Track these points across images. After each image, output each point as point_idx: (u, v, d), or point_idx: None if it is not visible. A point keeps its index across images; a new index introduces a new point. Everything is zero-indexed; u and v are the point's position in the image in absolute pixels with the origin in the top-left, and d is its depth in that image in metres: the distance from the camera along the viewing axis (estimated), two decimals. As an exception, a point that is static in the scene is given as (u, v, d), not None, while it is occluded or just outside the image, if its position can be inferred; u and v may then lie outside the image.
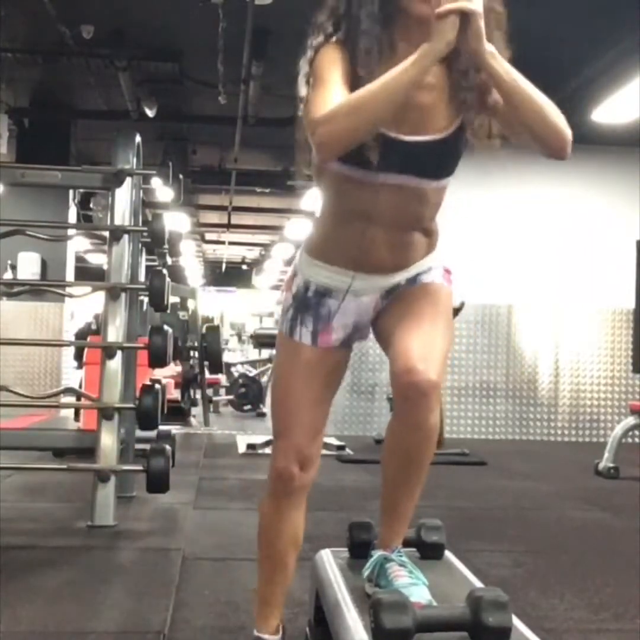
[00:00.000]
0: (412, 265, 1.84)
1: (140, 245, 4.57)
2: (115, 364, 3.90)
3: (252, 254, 20.30)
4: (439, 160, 1.74)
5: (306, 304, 1.87)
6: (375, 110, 1.56)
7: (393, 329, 1.78)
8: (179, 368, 8.83)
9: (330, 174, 1.77)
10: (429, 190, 1.76)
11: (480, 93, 1.70)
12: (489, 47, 1.56)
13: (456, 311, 5.98)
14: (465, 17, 1.52)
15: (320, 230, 1.88)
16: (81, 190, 8.84)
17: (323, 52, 1.67)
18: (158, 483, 3.68)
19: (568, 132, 1.64)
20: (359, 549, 2.04)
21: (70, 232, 6.52)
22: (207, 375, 8.68)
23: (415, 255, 1.84)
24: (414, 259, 1.84)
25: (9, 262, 8.76)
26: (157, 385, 3.94)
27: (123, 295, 3.97)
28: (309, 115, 1.60)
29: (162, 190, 7.04)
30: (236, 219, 14.23)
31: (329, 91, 1.60)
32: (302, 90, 1.74)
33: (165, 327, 4.08)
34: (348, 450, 6.38)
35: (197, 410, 8.73)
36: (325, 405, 1.93)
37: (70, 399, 6.77)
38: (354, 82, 1.62)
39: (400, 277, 1.84)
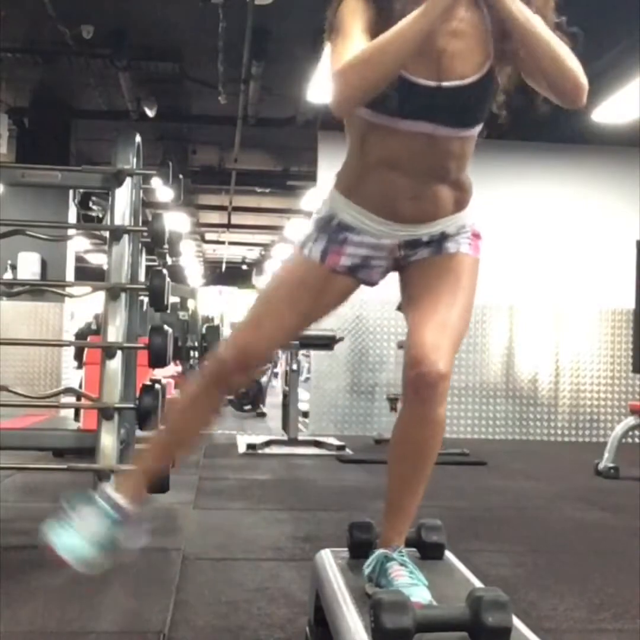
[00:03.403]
0: (439, 219, 1.82)
1: (140, 245, 4.56)
2: (115, 364, 3.89)
3: (252, 254, 20.30)
4: (463, 107, 1.73)
5: (326, 228, 1.87)
6: (387, 61, 1.58)
7: (412, 305, 1.81)
8: (179, 368, 8.83)
9: (357, 119, 1.77)
10: (454, 139, 1.75)
11: (500, 40, 1.69)
12: None
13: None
14: None
15: (347, 170, 1.88)
16: (81, 190, 8.84)
17: (345, 3, 1.68)
18: (158, 483, 3.68)
19: (583, 79, 1.62)
20: (359, 549, 2.03)
21: (70, 232, 6.52)
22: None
23: (440, 210, 1.82)
24: (439, 213, 1.82)
25: (9, 262, 8.75)
26: (157, 385, 3.94)
27: (123, 295, 3.97)
28: (329, 69, 1.62)
29: (162, 190, 7.04)
30: (236, 219, 14.23)
31: (350, 44, 1.61)
32: (326, 40, 1.74)
33: (165, 327, 4.08)
34: (348, 450, 6.39)
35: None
36: (298, 324, 1.93)
37: (70, 399, 6.76)
38: (378, 31, 1.62)
39: (424, 231, 1.83)
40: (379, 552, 1.85)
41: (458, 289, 1.81)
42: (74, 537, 1.82)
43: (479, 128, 1.78)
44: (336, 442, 6.54)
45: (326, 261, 1.85)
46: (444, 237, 1.84)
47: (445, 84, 1.68)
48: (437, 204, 1.81)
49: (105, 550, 1.86)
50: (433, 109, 1.69)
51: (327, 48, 1.73)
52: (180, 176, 4.83)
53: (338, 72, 1.59)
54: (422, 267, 1.86)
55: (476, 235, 1.89)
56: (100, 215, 9.41)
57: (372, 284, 1.93)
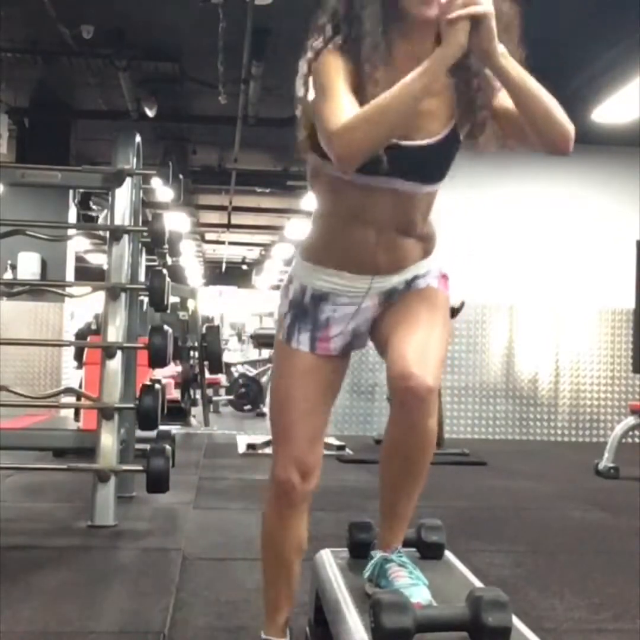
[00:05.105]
0: (409, 267, 1.84)
1: (140, 245, 4.57)
2: (115, 364, 3.90)
3: (252, 254, 20.31)
4: (431, 164, 1.75)
5: (304, 309, 1.86)
6: (391, 119, 1.57)
7: (389, 333, 1.78)
8: (179, 368, 8.82)
9: (325, 177, 1.78)
10: (420, 194, 1.77)
11: (472, 101, 1.72)
12: (500, 48, 1.57)
13: (456, 311, 5.97)
14: (476, 19, 1.52)
15: (314, 233, 1.88)
16: (81, 190, 8.84)
17: (324, 60, 1.66)
18: (158, 483, 3.68)
19: (571, 129, 1.66)
20: (359, 549, 2.04)
21: (70, 232, 6.52)
22: (207, 375, 8.67)
23: (411, 257, 1.84)
24: (410, 260, 1.84)
25: (9, 262, 8.76)
26: (157, 385, 3.94)
27: (123, 295, 3.98)
28: (324, 128, 1.59)
29: (162, 190, 7.03)
30: (236, 219, 14.23)
31: (340, 101, 1.60)
32: (300, 91, 1.75)
33: (165, 327, 4.08)
34: (348, 450, 6.38)
35: (197, 410, 8.73)
36: (324, 412, 1.92)
37: (70, 399, 6.76)
38: (357, 85, 1.63)
39: (398, 279, 1.84)
40: (378, 556, 1.85)
41: (434, 314, 1.80)
42: None
43: (441, 183, 1.80)
44: (336, 442, 6.54)
45: (317, 350, 1.85)
46: (414, 278, 1.85)
47: (403, 142, 1.68)
48: (406, 255, 1.82)
49: None
50: (396, 166, 1.68)
51: (299, 95, 1.74)
52: (180, 176, 4.84)
53: (340, 131, 1.56)
54: (394, 303, 1.85)
55: (444, 276, 1.90)
56: (100, 216, 9.41)
57: (364, 346, 1.95)
